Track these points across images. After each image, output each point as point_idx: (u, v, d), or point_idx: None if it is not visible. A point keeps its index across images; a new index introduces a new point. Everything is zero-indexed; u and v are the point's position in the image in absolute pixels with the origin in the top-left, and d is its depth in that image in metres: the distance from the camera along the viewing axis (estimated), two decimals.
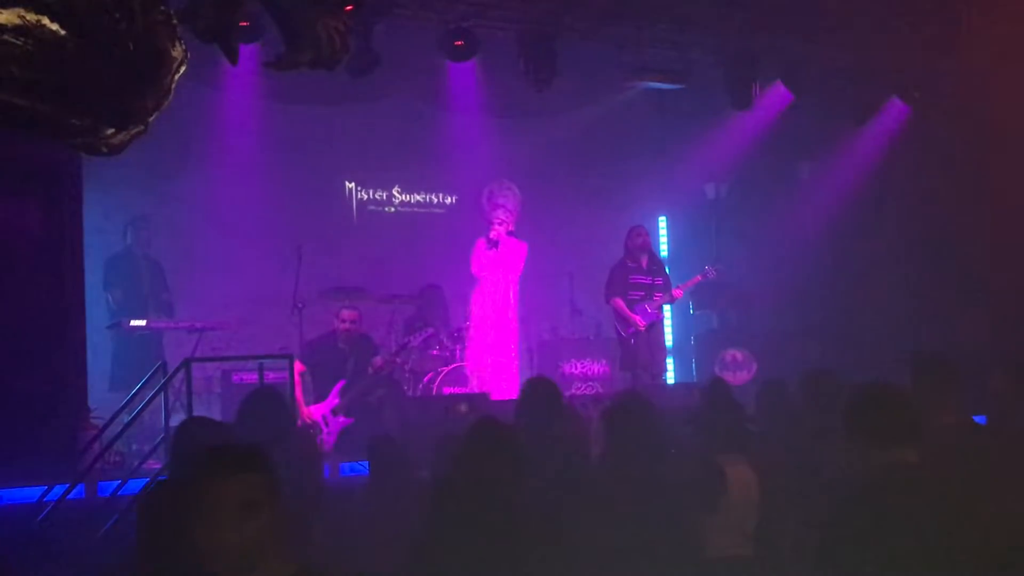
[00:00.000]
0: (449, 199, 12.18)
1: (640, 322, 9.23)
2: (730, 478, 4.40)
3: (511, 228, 9.74)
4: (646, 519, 4.11)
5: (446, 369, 9.46)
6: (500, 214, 9.71)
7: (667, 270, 9.94)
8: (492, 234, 9.65)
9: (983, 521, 3.36)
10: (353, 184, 11.81)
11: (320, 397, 8.52)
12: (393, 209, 12.05)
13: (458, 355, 9.71)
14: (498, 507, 3.62)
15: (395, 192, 12.06)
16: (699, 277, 9.89)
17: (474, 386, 9.36)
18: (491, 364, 9.57)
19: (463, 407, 7.88)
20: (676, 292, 9.57)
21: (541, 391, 5.53)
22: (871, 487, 3.44)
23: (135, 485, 6.26)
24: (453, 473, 3.83)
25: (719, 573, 4.32)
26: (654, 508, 4.14)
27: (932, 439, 4.13)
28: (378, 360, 8.94)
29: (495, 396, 8.89)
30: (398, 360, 9.31)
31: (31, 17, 2.48)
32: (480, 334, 9.66)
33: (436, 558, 3.58)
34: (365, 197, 11.90)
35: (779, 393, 5.73)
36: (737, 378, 10.81)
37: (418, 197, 12.14)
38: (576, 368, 10.25)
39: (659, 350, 9.64)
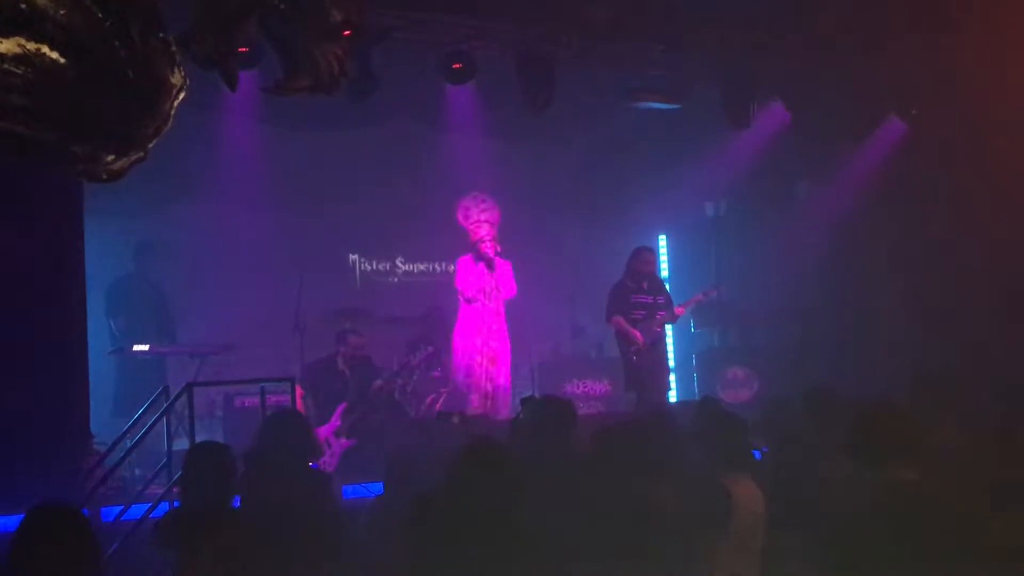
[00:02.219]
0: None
1: (640, 338, 9.22)
2: (736, 498, 4.37)
3: (498, 247, 9.00)
4: (646, 543, 4.09)
5: (447, 390, 9.43)
6: (486, 229, 8.98)
7: (668, 288, 9.96)
8: (486, 250, 8.93)
9: (984, 538, 3.36)
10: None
11: (321, 419, 8.53)
12: None
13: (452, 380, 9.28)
14: (490, 531, 3.59)
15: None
16: (700, 296, 9.89)
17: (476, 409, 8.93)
18: (490, 390, 8.93)
19: (455, 418, 7.85)
20: (677, 310, 9.57)
21: (554, 412, 5.35)
22: (872, 505, 3.44)
23: (138, 510, 6.27)
24: (444, 495, 3.80)
25: None
26: (654, 531, 4.12)
27: (934, 456, 4.14)
28: (379, 382, 8.95)
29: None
30: (399, 381, 9.31)
31: (31, 46, 2.50)
32: (476, 361, 8.93)
33: None
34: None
35: (785, 411, 5.73)
36: (739, 396, 10.80)
37: None
38: (578, 388, 10.25)
39: (662, 369, 9.64)
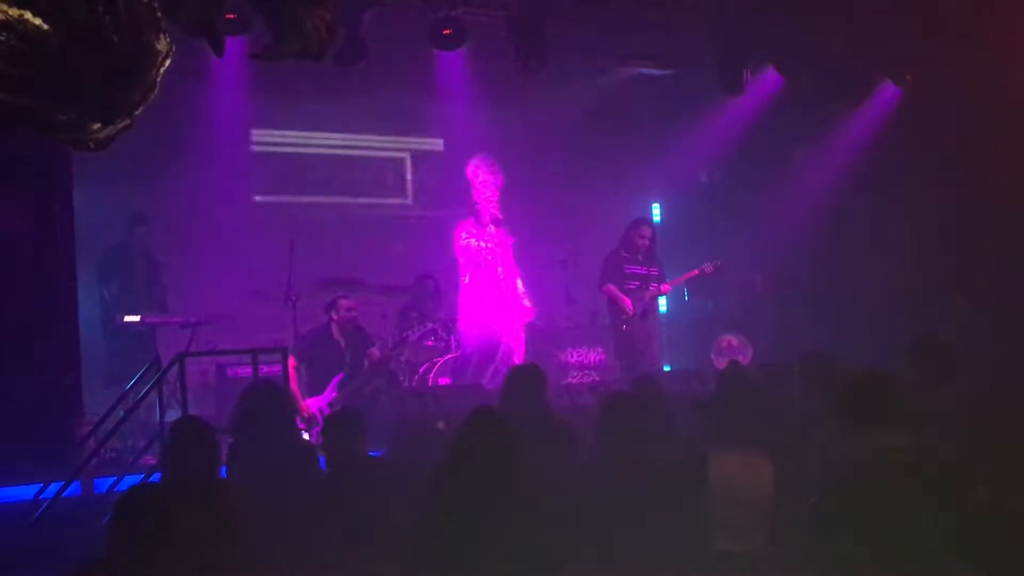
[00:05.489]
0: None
1: (631, 307, 9.20)
2: (738, 468, 4.32)
3: (499, 215, 9.05)
4: (644, 511, 4.07)
5: (441, 360, 9.40)
6: (492, 191, 9.02)
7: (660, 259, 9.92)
8: (493, 211, 8.95)
9: (975, 501, 3.37)
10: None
11: (315, 390, 8.50)
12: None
13: (453, 346, 9.45)
14: (491, 496, 3.60)
15: None
16: (696, 271, 9.78)
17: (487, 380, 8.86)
18: (509, 361, 8.89)
19: (441, 424, 7.77)
20: (664, 287, 9.51)
21: (521, 377, 5.61)
22: (859, 470, 3.44)
23: (131, 481, 6.25)
24: (448, 463, 3.81)
25: (729, 565, 4.25)
26: (651, 499, 4.10)
27: (924, 422, 4.14)
28: (375, 352, 8.91)
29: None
30: (395, 353, 9.29)
31: (13, 12, 2.45)
32: (492, 332, 8.93)
33: (432, 547, 3.57)
34: None
35: (782, 378, 5.72)
36: None
37: None
38: (572, 357, 10.21)
39: (654, 338, 9.62)
